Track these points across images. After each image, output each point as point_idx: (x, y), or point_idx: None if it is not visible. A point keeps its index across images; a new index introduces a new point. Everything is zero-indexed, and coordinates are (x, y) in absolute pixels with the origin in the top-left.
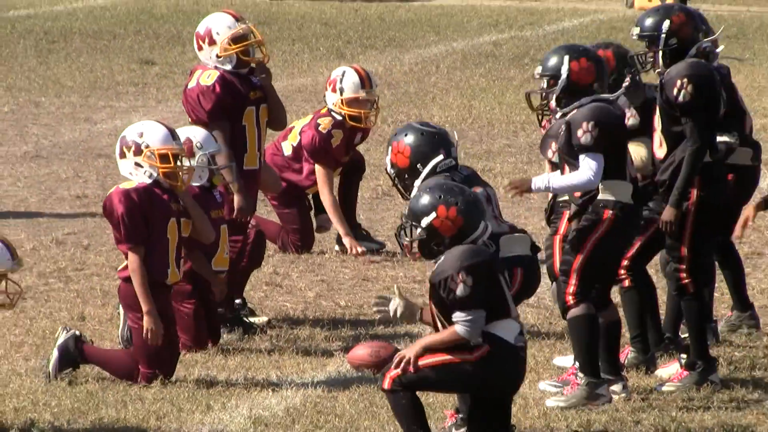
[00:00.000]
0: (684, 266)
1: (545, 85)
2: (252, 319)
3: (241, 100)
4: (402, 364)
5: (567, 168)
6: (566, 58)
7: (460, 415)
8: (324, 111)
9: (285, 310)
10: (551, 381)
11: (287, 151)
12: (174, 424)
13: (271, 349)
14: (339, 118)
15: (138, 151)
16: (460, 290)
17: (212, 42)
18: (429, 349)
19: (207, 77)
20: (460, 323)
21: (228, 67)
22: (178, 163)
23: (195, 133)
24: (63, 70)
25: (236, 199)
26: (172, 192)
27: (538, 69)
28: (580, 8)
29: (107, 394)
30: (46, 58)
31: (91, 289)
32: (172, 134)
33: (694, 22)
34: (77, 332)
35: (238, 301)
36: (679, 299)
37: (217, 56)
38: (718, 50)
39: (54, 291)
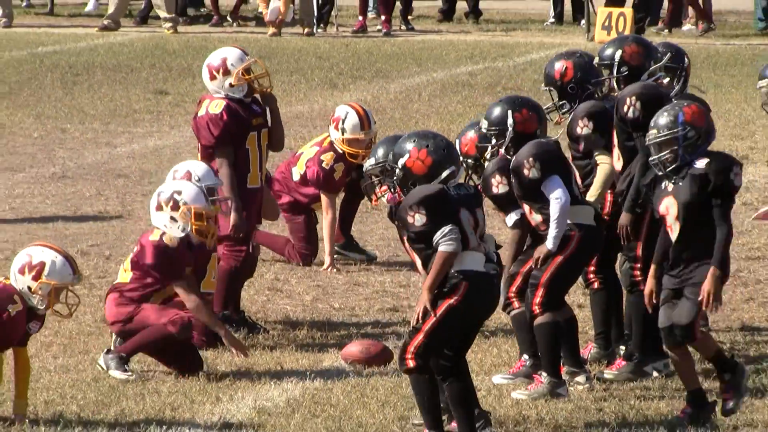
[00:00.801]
0: (638, 264)
1: (493, 139)
2: None
3: (245, 126)
4: (421, 316)
5: (528, 207)
6: (509, 111)
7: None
8: (327, 144)
9: (285, 312)
10: (504, 375)
11: (296, 176)
12: (187, 414)
13: (272, 346)
14: (340, 152)
15: (175, 207)
16: (417, 221)
17: (226, 72)
18: (430, 292)
19: (215, 106)
20: (440, 244)
21: (239, 95)
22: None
23: (195, 168)
24: (86, 99)
25: (232, 216)
26: (199, 247)
27: (484, 124)
28: (546, 42)
29: (127, 388)
30: (71, 89)
31: None
32: (204, 195)
33: (646, 51)
34: (106, 349)
35: (226, 312)
36: (630, 294)
37: (231, 85)
38: (665, 83)
39: (79, 296)
